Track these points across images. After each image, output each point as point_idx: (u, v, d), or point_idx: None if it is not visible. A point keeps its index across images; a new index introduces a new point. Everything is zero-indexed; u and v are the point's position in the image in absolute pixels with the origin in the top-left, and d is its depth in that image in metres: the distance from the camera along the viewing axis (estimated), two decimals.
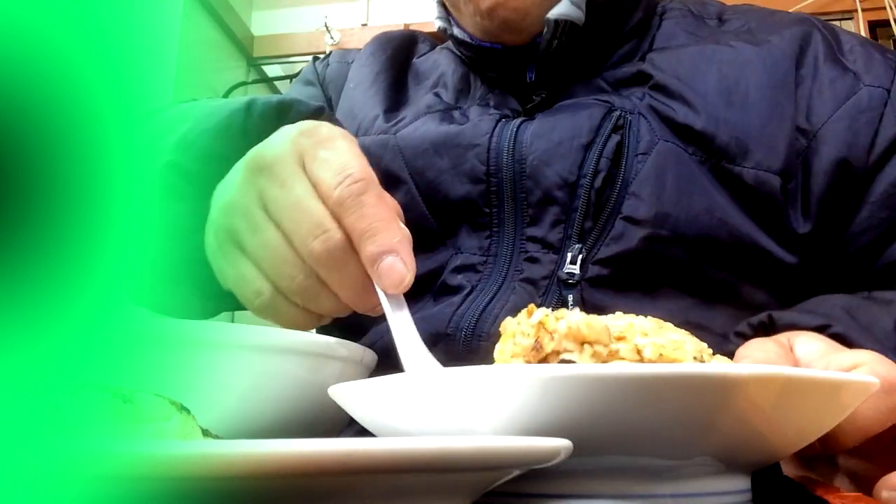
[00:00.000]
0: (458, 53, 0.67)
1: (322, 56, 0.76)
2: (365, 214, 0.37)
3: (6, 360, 0.25)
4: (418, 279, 0.55)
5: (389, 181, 0.60)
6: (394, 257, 0.37)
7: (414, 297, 0.57)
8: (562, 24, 0.58)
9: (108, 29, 0.36)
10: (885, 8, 2.10)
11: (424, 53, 0.71)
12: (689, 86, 0.56)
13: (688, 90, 0.56)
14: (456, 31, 0.64)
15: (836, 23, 2.23)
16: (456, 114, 0.62)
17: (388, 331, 0.40)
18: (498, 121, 0.58)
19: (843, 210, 0.54)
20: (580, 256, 0.52)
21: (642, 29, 0.63)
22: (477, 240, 0.56)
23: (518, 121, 0.58)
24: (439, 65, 0.68)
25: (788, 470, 0.39)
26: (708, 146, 0.54)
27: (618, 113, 0.56)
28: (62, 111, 0.34)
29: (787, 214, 0.54)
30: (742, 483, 0.29)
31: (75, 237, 0.36)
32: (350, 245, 0.38)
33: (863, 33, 2.13)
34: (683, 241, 0.52)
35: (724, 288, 0.53)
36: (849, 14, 2.19)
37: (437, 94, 0.64)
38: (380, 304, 0.38)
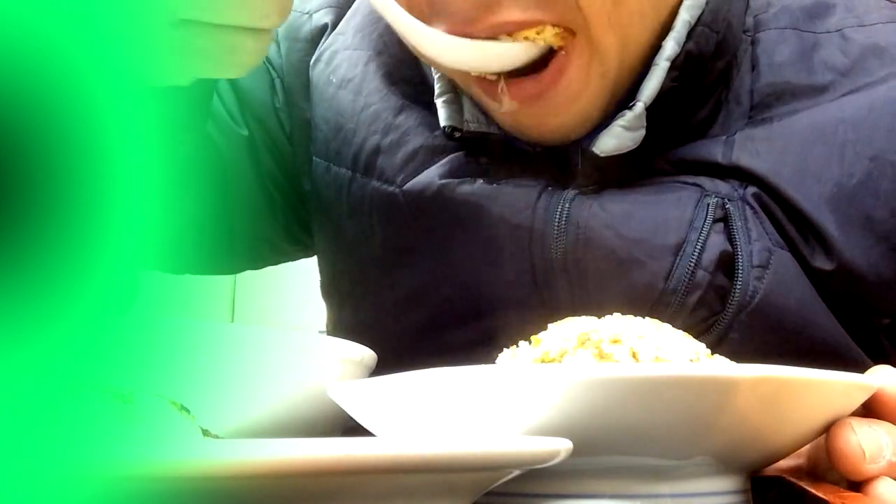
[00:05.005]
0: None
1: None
2: None
3: (6, 360, 0.25)
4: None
5: (396, 251, 0.46)
6: None
7: None
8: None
9: (107, 29, 0.37)
10: None
11: None
12: (799, 191, 0.41)
13: (797, 196, 0.41)
14: (472, 126, 0.45)
15: None
16: (473, 166, 0.45)
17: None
18: (541, 191, 0.43)
19: None
20: None
21: (725, 76, 0.44)
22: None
23: (570, 193, 0.42)
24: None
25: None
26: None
27: (714, 200, 0.40)
28: (62, 111, 0.34)
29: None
30: (741, 483, 0.29)
31: (75, 236, 0.36)
32: None
33: None
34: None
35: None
36: None
37: (445, 129, 0.46)
38: None
